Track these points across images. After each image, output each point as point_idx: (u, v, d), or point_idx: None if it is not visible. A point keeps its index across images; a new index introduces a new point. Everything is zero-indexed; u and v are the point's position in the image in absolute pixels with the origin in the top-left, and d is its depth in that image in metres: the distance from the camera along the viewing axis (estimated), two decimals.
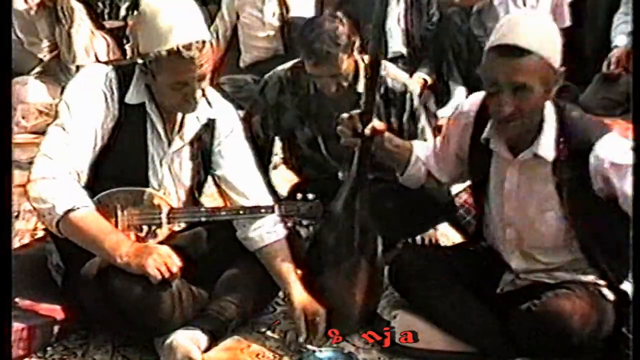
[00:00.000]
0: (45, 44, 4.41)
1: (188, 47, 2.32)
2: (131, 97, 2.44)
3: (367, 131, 2.43)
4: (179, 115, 2.52)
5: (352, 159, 2.63)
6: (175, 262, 2.34)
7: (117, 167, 2.43)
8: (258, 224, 2.57)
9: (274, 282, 2.59)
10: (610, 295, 2.31)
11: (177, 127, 2.52)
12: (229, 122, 2.64)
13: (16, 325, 2.36)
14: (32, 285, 2.56)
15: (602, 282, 2.33)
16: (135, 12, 2.39)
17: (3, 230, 1.93)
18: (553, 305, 2.24)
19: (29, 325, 2.40)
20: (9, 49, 2.08)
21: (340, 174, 3.09)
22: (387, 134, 2.52)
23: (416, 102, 3.06)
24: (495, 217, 2.43)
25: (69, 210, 2.30)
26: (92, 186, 2.42)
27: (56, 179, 2.33)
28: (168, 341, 2.35)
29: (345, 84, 2.94)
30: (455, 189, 3.03)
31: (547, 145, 2.24)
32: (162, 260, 2.31)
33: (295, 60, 3.14)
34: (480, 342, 2.42)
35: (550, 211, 2.29)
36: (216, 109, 2.58)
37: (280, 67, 3.17)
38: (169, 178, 2.54)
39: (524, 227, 2.36)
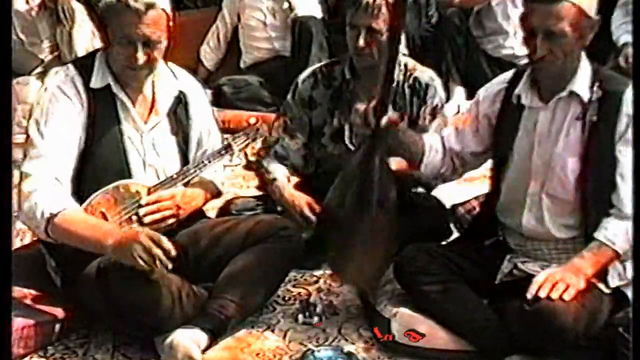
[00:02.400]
0: (46, 44, 4.41)
1: None
2: (96, 82, 2.49)
3: (383, 122, 2.42)
4: (149, 91, 2.55)
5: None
6: (164, 246, 2.30)
7: (98, 157, 2.46)
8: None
9: (273, 280, 2.63)
10: (605, 289, 2.33)
11: (149, 103, 2.55)
12: (200, 100, 2.72)
13: (17, 324, 2.37)
14: (33, 285, 2.57)
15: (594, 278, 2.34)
16: None
17: (3, 230, 1.93)
18: (546, 304, 2.24)
19: (30, 324, 2.42)
20: (9, 50, 2.09)
21: None
22: (401, 124, 2.54)
23: (437, 99, 3.07)
24: (519, 175, 2.47)
25: (53, 215, 2.35)
26: (78, 183, 2.45)
27: (35, 190, 2.38)
28: (168, 340, 2.36)
29: (375, 50, 2.94)
30: (465, 197, 3.09)
31: (583, 85, 2.36)
32: (144, 248, 2.28)
33: (329, 60, 3.19)
34: (480, 339, 2.43)
35: (574, 157, 2.36)
36: (182, 81, 2.64)
37: (313, 66, 3.23)
38: (154, 156, 2.56)
39: (548, 175, 2.40)
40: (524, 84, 2.44)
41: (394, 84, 3.01)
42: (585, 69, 2.38)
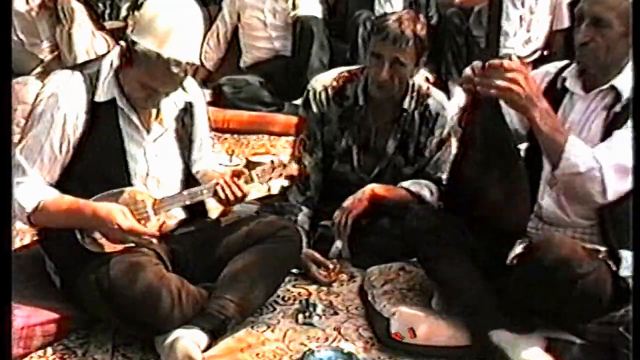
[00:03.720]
0: (46, 44, 4.42)
1: (178, 64, 2.39)
2: (100, 95, 2.46)
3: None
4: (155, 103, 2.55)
5: (380, 172, 3.01)
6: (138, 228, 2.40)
7: (93, 167, 2.45)
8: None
9: (273, 280, 2.63)
10: (614, 266, 2.33)
11: (153, 115, 2.54)
12: (203, 108, 2.72)
13: (17, 324, 2.36)
14: (32, 285, 2.57)
15: (605, 254, 2.35)
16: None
17: (3, 230, 1.93)
18: (551, 235, 2.30)
19: (29, 325, 2.41)
20: (9, 50, 2.09)
21: (365, 185, 3.08)
22: None
23: (447, 129, 3.06)
24: None
25: (33, 210, 2.38)
26: (65, 186, 2.46)
27: (20, 183, 2.40)
28: (168, 340, 2.35)
29: (397, 81, 2.95)
30: None
31: (625, 82, 2.34)
32: (119, 225, 2.36)
33: (339, 70, 3.17)
34: (468, 309, 2.45)
35: (593, 145, 2.33)
36: (191, 92, 2.63)
37: (322, 76, 3.17)
38: (158, 166, 2.55)
39: None
40: (571, 70, 2.45)
41: (405, 113, 3.03)
42: (631, 68, 2.35)
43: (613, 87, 2.37)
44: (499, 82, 2.19)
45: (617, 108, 2.34)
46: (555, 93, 2.47)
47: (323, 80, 3.12)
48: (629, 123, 2.27)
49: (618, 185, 2.24)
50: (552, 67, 2.58)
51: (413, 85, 3.06)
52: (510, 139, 2.46)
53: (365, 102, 3.04)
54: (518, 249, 2.47)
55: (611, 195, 2.25)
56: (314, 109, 3.08)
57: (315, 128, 3.09)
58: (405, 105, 3.04)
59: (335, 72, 3.18)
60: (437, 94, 3.13)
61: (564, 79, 2.46)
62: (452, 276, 2.50)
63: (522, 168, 2.43)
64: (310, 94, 3.10)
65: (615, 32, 2.30)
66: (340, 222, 2.96)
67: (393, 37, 2.88)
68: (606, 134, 2.34)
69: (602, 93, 2.39)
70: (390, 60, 2.91)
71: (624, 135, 2.26)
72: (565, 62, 2.55)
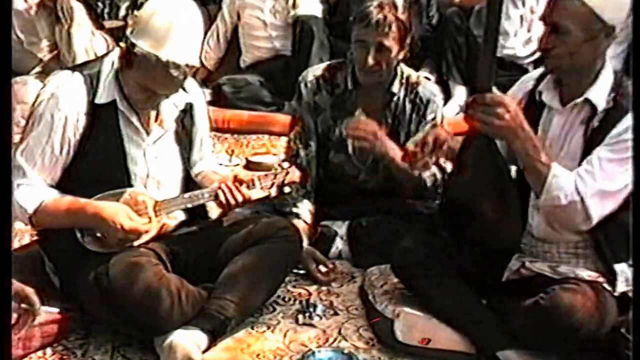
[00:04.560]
0: (45, 43, 4.42)
1: (177, 66, 2.38)
2: (101, 97, 2.45)
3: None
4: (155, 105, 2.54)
5: (374, 159, 2.96)
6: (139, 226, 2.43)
7: (94, 169, 2.45)
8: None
9: (273, 280, 2.63)
10: (613, 292, 2.33)
11: (153, 116, 2.53)
12: (204, 109, 2.72)
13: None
14: (32, 285, 2.56)
15: (603, 279, 2.34)
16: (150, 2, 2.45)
17: (3, 230, 1.93)
18: (561, 299, 2.26)
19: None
20: (9, 49, 2.08)
21: (361, 176, 3.10)
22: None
23: (438, 115, 3.07)
24: None
25: (34, 211, 2.38)
26: (65, 186, 2.46)
27: (21, 185, 2.40)
28: (168, 341, 2.35)
29: (384, 66, 2.94)
30: None
31: (600, 94, 2.31)
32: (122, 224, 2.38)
33: (330, 62, 3.19)
34: (473, 333, 2.45)
35: (574, 162, 2.32)
36: (191, 93, 2.63)
37: (313, 68, 3.20)
38: (158, 168, 2.55)
39: None
40: (546, 82, 2.41)
41: (395, 98, 3.03)
42: (606, 78, 2.32)
43: (587, 100, 2.32)
44: (482, 116, 2.21)
45: (595, 122, 2.31)
46: (534, 107, 2.43)
47: (314, 71, 3.15)
48: (607, 140, 2.26)
49: (601, 210, 2.25)
50: (528, 77, 2.54)
51: (402, 72, 3.06)
52: (502, 162, 2.44)
53: (353, 86, 3.04)
54: (514, 265, 2.46)
55: (596, 221, 2.26)
56: (305, 97, 3.09)
57: (309, 118, 3.09)
58: (395, 89, 3.04)
59: (326, 64, 3.21)
60: (427, 83, 3.14)
61: (540, 94, 2.42)
62: (447, 305, 2.49)
63: (514, 189, 2.42)
64: (302, 84, 3.11)
65: (576, 37, 2.24)
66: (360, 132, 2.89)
67: (375, 23, 2.89)
68: (586, 149, 2.31)
69: (577, 107, 2.35)
70: (375, 45, 2.91)
71: (603, 154, 2.25)
72: (541, 70, 2.49)
